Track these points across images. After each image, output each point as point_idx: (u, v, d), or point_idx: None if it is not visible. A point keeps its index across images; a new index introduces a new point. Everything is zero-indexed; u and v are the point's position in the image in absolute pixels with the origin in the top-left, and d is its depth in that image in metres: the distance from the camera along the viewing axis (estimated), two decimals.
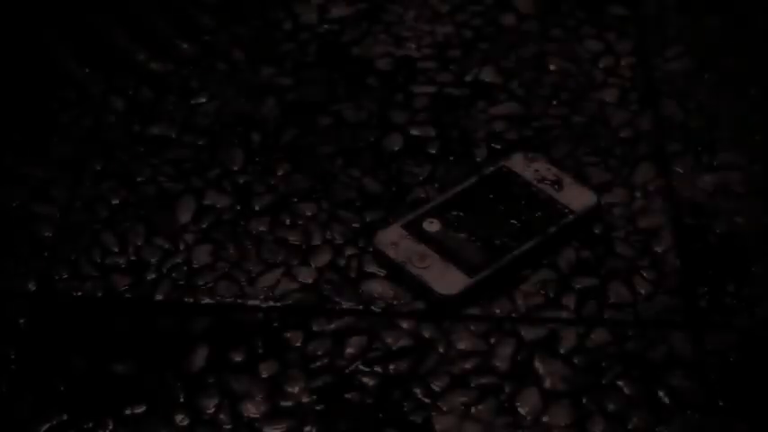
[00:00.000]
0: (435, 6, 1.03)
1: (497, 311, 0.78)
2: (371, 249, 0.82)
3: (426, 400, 0.73)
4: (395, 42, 0.99)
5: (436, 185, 0.87)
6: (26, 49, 0.96)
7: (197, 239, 0.83)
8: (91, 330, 0.77)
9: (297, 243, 0.83)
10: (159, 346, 0.76)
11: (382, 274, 0.81)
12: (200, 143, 0.90)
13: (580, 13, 1.03)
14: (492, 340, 0.77)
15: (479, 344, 0.77)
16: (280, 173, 0.88)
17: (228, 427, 0.72)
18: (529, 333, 0.77)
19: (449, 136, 0.91)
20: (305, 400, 0.73)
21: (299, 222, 0.84)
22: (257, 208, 0.85)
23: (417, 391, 0.74)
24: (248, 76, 0.96)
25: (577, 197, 0.84)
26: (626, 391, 0.74)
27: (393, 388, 0.74)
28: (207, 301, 0.79)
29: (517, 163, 0.87)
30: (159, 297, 0.79)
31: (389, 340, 0.77)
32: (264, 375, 0.75)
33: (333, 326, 0.77)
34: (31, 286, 0.79)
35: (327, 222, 0.84)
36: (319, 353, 0.76)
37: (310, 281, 0.80)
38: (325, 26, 1.01)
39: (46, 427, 0.72)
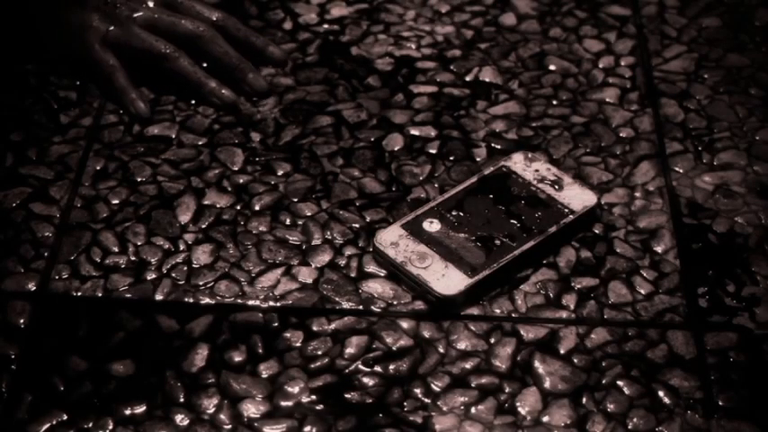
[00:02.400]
0: (435, 6, 1.03)
1: (497, 311, 0.78)
2: (371, 249, 0.82)
3: (426, 400, 0.73)
4: (395, 42, 0.99)
5: (436, 185, 0.87)
6: (26, 49, 0.96)
7: (197, 239, 0.83)
8: (91, 330, 0.77)
9: (297, 243, 0.83)
10: (159, 346, 0.76)
11: (382, 274, 0.81)
12: (200, 143, 0.90)
13: (580, 13, 1.03)
14: (492, 340, 0.77)
15: (479, 344, 0.77)
16: (280, 173, 0.88)
17: (228, 427, 0.72)
18: (529, 333, 0.77)
19: (449, 136, 0.91)
20: (305, 400, 0.73)
21: (299, 222, 0.84)
22: (257, 208, 0.85)
23: (417, 391, 0.74)
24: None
25: (577, 197, 0.84)
26: (626, 391, 0.74)
27: (393, 388, 0.74)
28: (207, 301, 0.79)
29: (517, 163, 0.87)
30: (159, 297, 0.79)
31: (389, 340, 0.77)
32: (264, 375, 0.75)
33: (333, 326, 0.77)
34: (31, 286, 0.79)
35: (327, 222, 0.84)
36: (319, 353, 0.76)
37: (310, 281, 0.80)
38: (325, 26, 1.01)
39: (46, 427, 0.72)
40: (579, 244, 0.83)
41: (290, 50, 0.98)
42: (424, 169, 0.88)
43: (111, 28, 0.92)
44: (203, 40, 0.93)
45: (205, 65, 0.94)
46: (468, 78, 0.96)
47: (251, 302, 0.79)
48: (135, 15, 0.92)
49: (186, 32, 0.93)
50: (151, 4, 0.93)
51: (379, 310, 0.79)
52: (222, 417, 0.72)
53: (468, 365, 0.75)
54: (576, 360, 0.76)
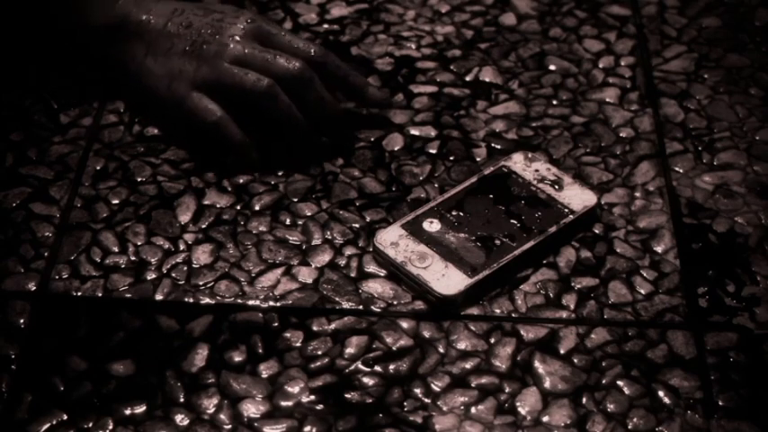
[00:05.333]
0: (435, 6, 1.03)
1: (497, 311, 0.78)
2: (371, 249, 0.82)
3: (426, 400, 0.73)
4: (395, 42, 0.99)
5: (436, 185, 0.87)
6: (26, 49, 0.96)
7: (197, 239, 0.83)
8: (91, 330, 0.77)
9: (297, 243, 0.83)
10: (159, 346, 0.76)
11: (382, 274, 0.81)
12: (200, 143, 0.90)
13: (580, 13, 1.03)
14: (492, 340, 0.77)
15: (479, 344, 0.77)
16: (280, 173, 0.88)
17: (228, 427, 0.72)
18: (529, 333, 0.77)
19: (449, 136, 0.91)
20: (305, 400, 0.73)
21: (299, 222, 0.84)
22: (257, 208, 0.85)
23: (417, 391, 0.74)
24: None
25: (577, 197, 0.84)
26: (626, 391, 0.74)
27: (393, 388, 0.74)
28: (207, 301, 0.79)
29: (517, 163, 0.87)
30: (159, 297, 0.79)
31: (389, 340, 0.77)
32: (264, 375, 0.75)
33: (333, 326, 0.77)
34: (31, 286, 0.79)
35: (327, 222, 0.84)
36: (319, 353, 0.76)
37: (310, 281, 0.80)
38: (325, 26, 1.01)
39: (46, 427, 0.72)
40: (579, 244, 0.83)
41: None
42: (424, 169, 0.88)
43: (201, 68, 0.85)
44: (297, 82, 0.85)
45: None
46: (468, 78, 0.96)
47: (251, 302, 0.79)
48: (224, 50, 0.85)
49: (280, 72, 0.84)
50: (239, 34, 0.86)
51: (379, 310, 0.79)
52: (222, 417, 0.72)
53: (468, 365, 0.75)
54: (576, 360, 0.76)
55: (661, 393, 0.74)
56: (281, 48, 0.87)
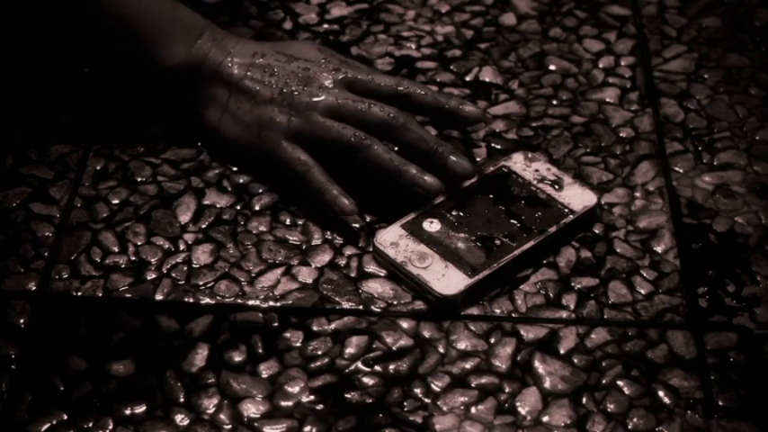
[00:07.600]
0: (435, 6, 1.03)
1: (497, 311, 0.78)
2: (371, 249, 0.82)
3: (426, 400, 0.73)
4: (395, 42, 0.99)
5: None
6: (26, 49, 0.96)
7: (197, 239, 0.83)
8: (91, 330, 0.77)
9: (297, 243, 0.83)
10: (159, 346, 0.76)
11: (382, 274, 0.81)
12: (200, 143, 0.90)
13: (580, 13, 1.03)
14: (492, 340, 0.77)
15: (479, 344, 0.77)
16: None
17: (228, 427, 0.72)
18: (529, 333, 0.77)
19: (449, 136, 0.91)
20: (305, 400, 0.73)
21: (299, 222, 0.84)
22: (257, 208, 0.85)
23: (417, 391, 0.74)
24: None
25: (577, 197, 0.84)
26: (626, 391, 0.74)
27: (393, 388, 0.74)
28: (207, 301, 0.79)
29: (517, 163, 0.87)
30: (159, 297, 0.79)
31: (389, 340, 0.77)
32: (264, 375, 0.75)
33: (333, 326, 0.77)
34: (31, 286, 0.79)
35: (327, 222, 0.84)
36: (319, 353, 0.76)
37: (310, 281, 0.80)
38: (325, 26, 1.01)
39: (46, 427, 0.72)
40: (579, 244, 0.83)
41: None
42: None
43: (293, 119, 0.83)
44: (395, 129, 0.83)
45: (396, 148, 0.85)
46: (468, 78, 0.96)
47: (251, 302, 0.79)
48: (315, 101, 0.84)
49: (375, 121, 0.83)
50: (329, 84, 0.85)
51: (379, 310, 0.79)
52: (222, 417, 0.72)
53: (468, 365, 0.75)
54: (576, 360, 0.76)
55: (661, 393, 0.74)
56: (366, 90, 0.85)
